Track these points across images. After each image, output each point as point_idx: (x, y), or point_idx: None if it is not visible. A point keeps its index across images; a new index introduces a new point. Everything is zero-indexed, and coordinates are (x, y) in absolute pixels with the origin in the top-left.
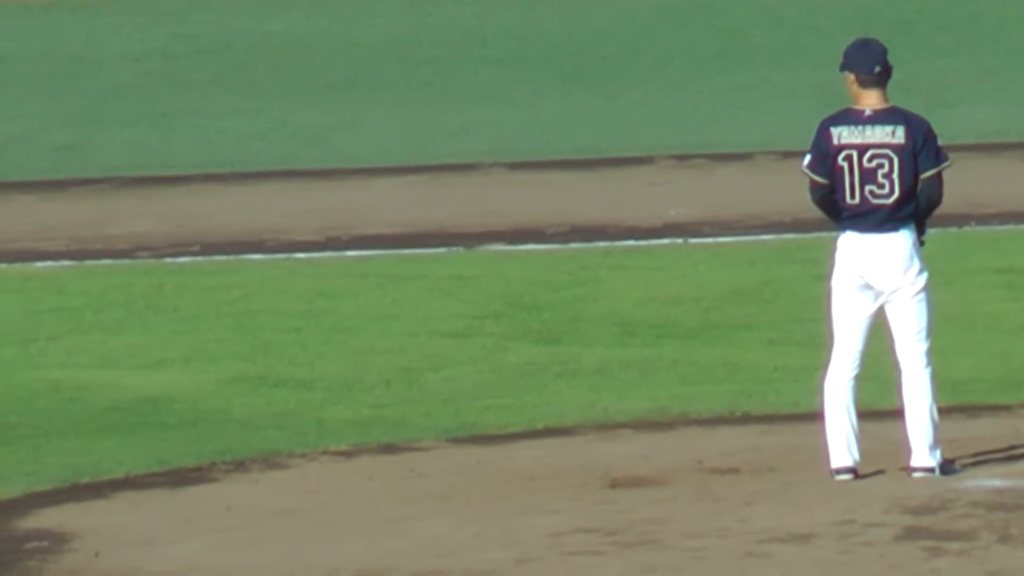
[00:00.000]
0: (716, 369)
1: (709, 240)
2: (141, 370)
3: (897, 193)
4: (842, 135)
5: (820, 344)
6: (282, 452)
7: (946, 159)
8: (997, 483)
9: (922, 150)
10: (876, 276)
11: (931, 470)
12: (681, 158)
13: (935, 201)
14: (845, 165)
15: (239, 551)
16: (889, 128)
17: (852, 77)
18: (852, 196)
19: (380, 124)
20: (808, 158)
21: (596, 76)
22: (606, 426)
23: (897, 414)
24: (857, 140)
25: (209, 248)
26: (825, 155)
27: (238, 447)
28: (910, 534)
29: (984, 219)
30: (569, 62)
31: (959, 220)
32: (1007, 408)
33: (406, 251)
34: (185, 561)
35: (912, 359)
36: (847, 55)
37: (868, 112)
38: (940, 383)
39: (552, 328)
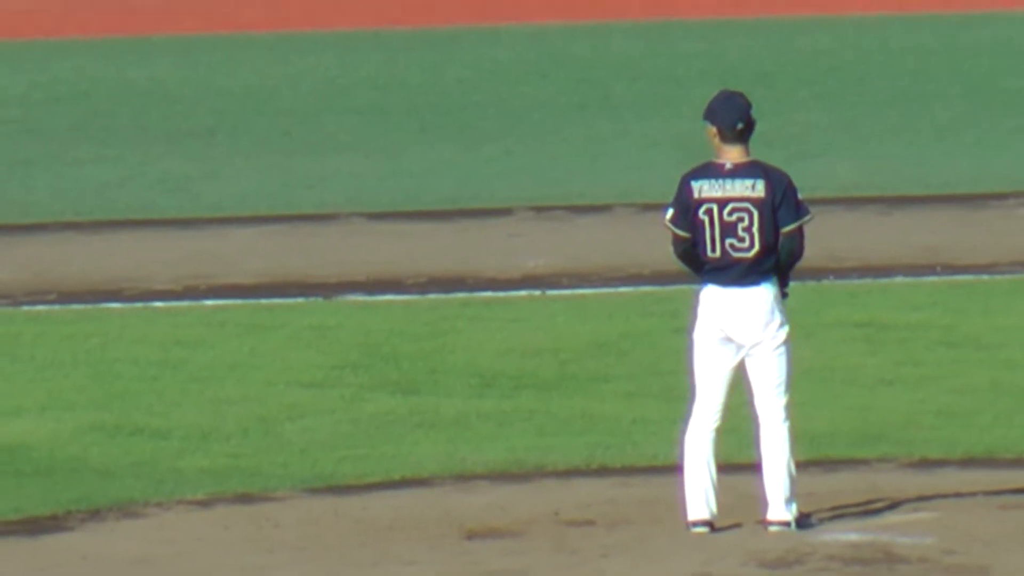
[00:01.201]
0: (573, 421)
1: (568, 292)
2: None
3: (757, 247)
4: (703, 189)
5: (678, 397)
6: (138, 501)
7: (807, 213)
8: (853, 537)
9: (782, 204)
10: (737, 330)
11: (787, 524)
12: (540, 210)
13: (796, 255)
14: (706, 219)
15: None
16: (749, 182)
17: (714, 130)
18: (713, 250)
19: (240, 173)
20: (670, 212)
21: (456, 126)
22: (463, 477)
23: (755, 467)
24: (717, 194)
25: (67, 296)
26: (687, 208)
27: (94, 496)
28: None
29: (843, 273)
30: (430, 112)
31: (818, 273)
32: (865, 462)
33: (264, 300)
34: None
35: (770, 413)
36: (711, 107)
37: (729, 165)
38: (798, 436)
39: (410, 379)
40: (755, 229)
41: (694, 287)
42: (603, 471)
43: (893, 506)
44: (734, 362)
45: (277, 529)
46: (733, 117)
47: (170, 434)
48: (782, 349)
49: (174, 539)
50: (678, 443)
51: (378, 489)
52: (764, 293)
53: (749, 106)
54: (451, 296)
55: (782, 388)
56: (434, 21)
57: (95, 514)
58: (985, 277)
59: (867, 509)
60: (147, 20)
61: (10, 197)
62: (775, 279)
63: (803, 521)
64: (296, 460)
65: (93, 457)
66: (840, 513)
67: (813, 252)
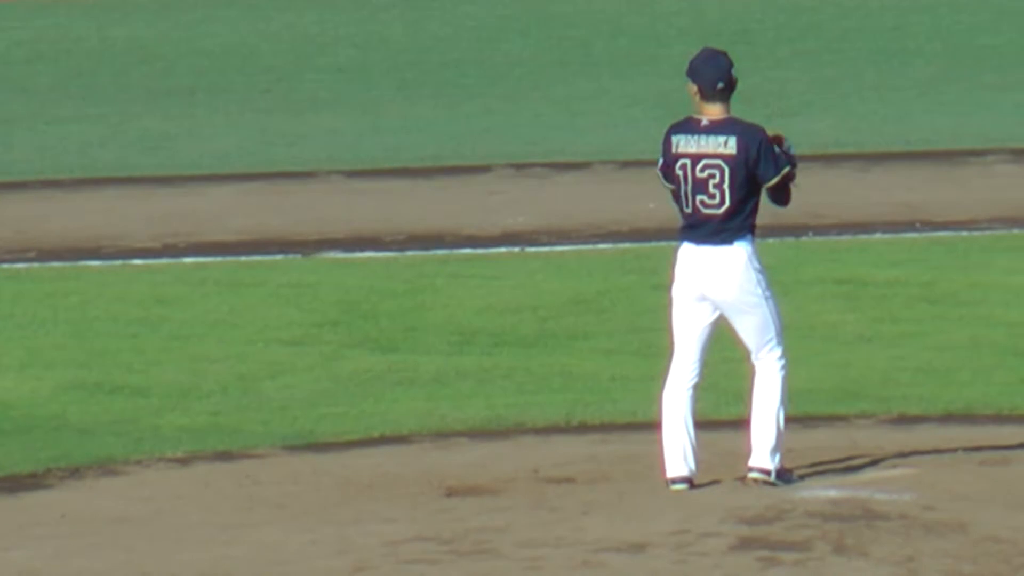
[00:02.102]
0: (552, 378)
1: (547, 249)
2: None
3: (727, 204)
4: (680, 143)
5: (657, 354)
6: (118, 459)
7: (787, 164)
8: (833, 494)
9: (760, 160)
10: (710, 288)
11: (767, 472)
12: (519, 167)
13: (783, 204)
14: (681, 174)
15: (74, 558)
16: (722, 138)
17: (695, 88)
18: (687, 204)
19: (220, 131)
20: (660, 162)
21: (437, 84)
22: (442, 434)
23: (734, 424)
24: (692, 149)
25: (46, 254)
26: (668, 161)
27: (74, 454)
28: (745, 544)
29: (822, 229)
30: (410, 70)
31: (797, 230)
32: (844, 419)
33: (244, 258)
34: (19, 568)
35: (763, 365)
36: (693, 65)
37: (705, 122)
38: None
39: (389, 336)
40: (725, 186)
41: (674, 244)
42: (582, 428)
43: (872, 462)
44: (710, 319)
45: (257, 487)
46: (714, 76)
47: (150, 392)
48: (761, 305)
49: (154, 497)
50: (657, 400)
51: (358, 447)
52: (737, 252)
53: (731, 65)
54: (430, 253)
55: (772, 342)
56: None
57: (75, 472)
58: (964, 234)
59: (847, 465)
60: None
61: None
62: (750, 237)
63: (784, 475)
64: (276, 418)
65: (73, 415)
66: (820, 469)
67: (792, 209)
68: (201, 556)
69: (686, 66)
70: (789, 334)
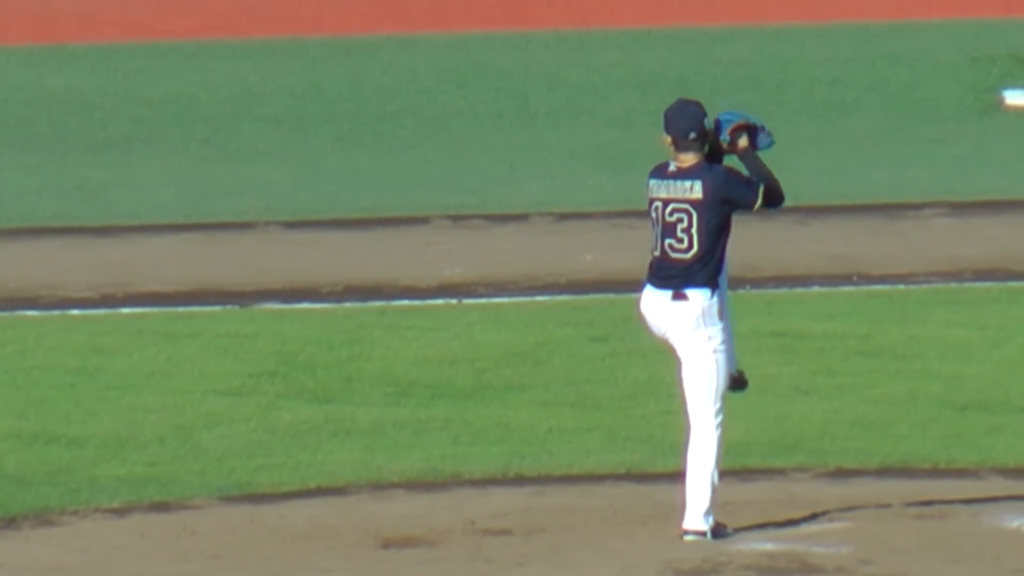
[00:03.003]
0: (489, 430)
1: (484, 300)
2: None
3: (696, 248)
4: (652, 188)
5: (593, 406)
6: (54, 509)
7: (760, 182)
8: (769, 547)
9: (734, 193)
10: (667, 331)
11: (703, 534)
12: (457, 218)
13: (779, 203)
14: (654, 216)
15: None
16: (688, 183)
17: (669, 139)
18: (656, 248)
19: (158, 180)
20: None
21: (374, 135)
22: (379, 486)
23: (671, 477)
24: (663, 194)
25: None
26: (648, 204)
27: (10, 503)
28: None
29: (759, 282)
30: (348, 121)
31: (734, 283)
32: (781, 471)
33: (182, 308)
34: None
35: (698, 420)
36: (666, 117)
37: (673, 167)
38: None
39: (326, 387)
40: (693, 231)
41: (611, 296)
42: (519, 480)
43: (809, 516)
44: None
45: (193, 537)
46: (686, 127)
47: (87, 442)
48: (711, 358)
49: (90, 547)
50: (594, 452)
51: (294, 498)
52: (694, 301)
53: (703, 115)
54: (368, 304)
55: (710, 397)
56: (352, 29)
57: (11, 522)
58: (901, 287)
59: (783, 519)
60: (66, 28)
61: None
62: (710, 289)
63: (719, 531)
64: (213, 468)
65: (9, 465)
66: (756, 523)
67: (730, 262)
68: None
69: (662, 118)
70: None
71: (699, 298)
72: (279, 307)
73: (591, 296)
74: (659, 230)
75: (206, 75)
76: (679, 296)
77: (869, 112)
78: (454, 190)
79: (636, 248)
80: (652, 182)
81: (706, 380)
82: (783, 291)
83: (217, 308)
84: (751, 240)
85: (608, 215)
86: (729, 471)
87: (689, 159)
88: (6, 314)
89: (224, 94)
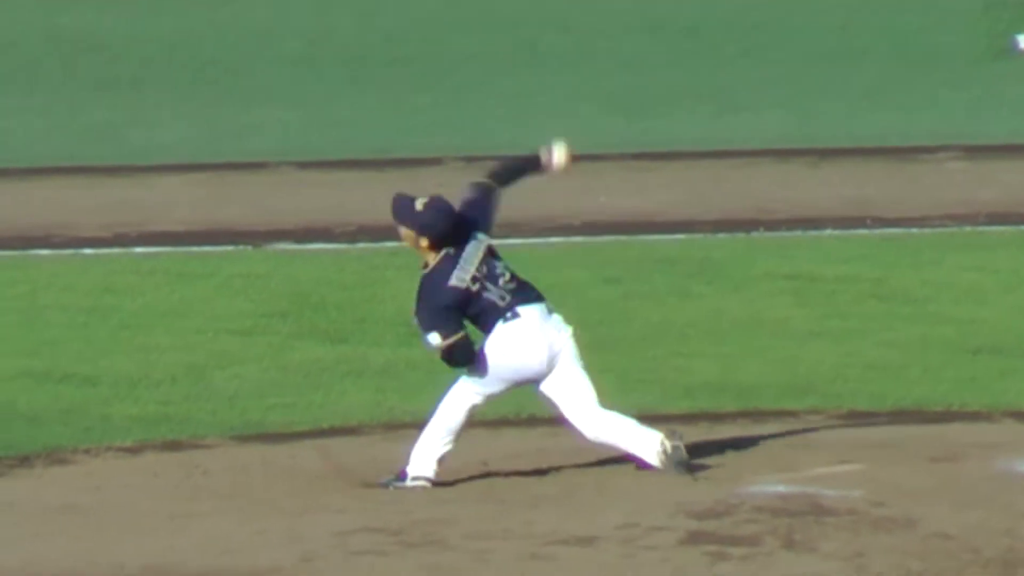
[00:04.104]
0: None
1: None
2: None
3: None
4: (457, 276)
5: (608, 347)
6: (66, 448)
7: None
8: (782, 489)
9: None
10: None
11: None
12: (470, 160)
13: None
14: (478, 286)
15: (22, 547)
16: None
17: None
18: (502, 299)
19: (168, 122)
20: (437, 337)
21: (387, 78)
22: (391, 426)
23: (683, 418)
24: (471, 269)
25: None
26: (456, 307)
27: (22, 442)
28: (694, 538)
29: (772, 225)
30: (360, 64)
31: (747, 225)
32: (793, 414)
33: (195, 248)
34: None
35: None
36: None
37: (452, 251)
38: (727, 388)
39: (339, 327)
40: (498, 262)
41: (623, 238)
42: (532, 421)
43: (822, 458)
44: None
45: (205, 477)
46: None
47: (99, 381)
48: None
49: (102, 486)
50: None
51: (306, 437)
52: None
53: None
54: (380, 246)
55: None
56: None
57: (23, 460)
58: (915, 231)
59: (795, 461)
60: None
61: None
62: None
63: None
64: (225, 408)
65: (21, 404)
66: (768, 465)
67: (742, 205)
68: (149, 545)
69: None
70: (739, 329)
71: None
72: (292, 247)
73: (605, 238)
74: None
75: (217, 15)
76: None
77: (880, 58)
78: (465, 132)
79: (650, 190)
80: (454, 275)
81: None
82: (796, 234)
83: (230, 248)
84: (764, 183)
85: (621, 157)
86: (742, 412)
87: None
88: (18, 253)
89: (235, 35)
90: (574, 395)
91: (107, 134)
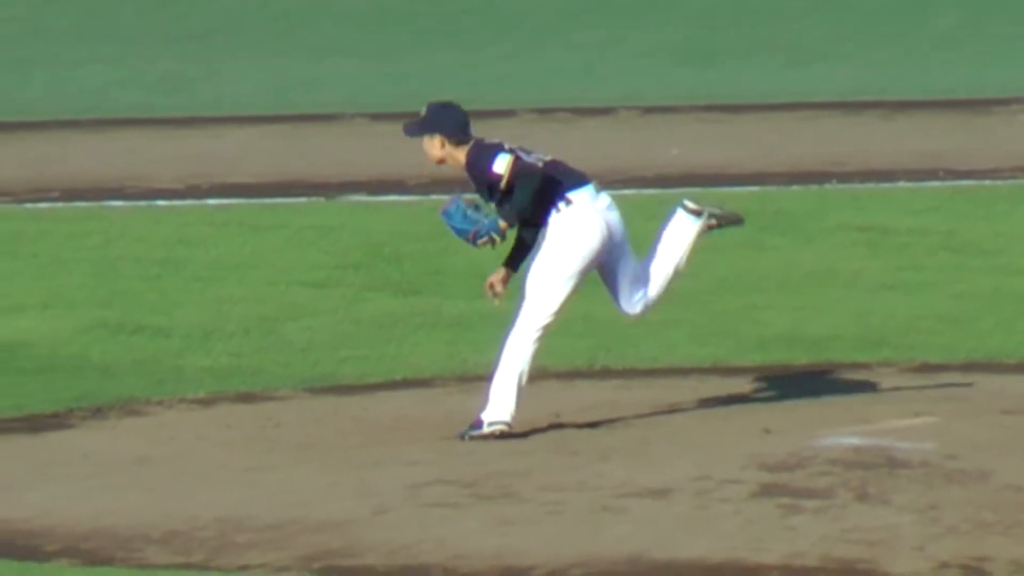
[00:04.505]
0: (575, 323)
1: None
2: None
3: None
4: (504, 145)
5: (678, 301)
6: (139, 399)
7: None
8: (855, 442)
9: None
10: (620, 229)
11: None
12: (543, 111)
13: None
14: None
15: (96, 498)
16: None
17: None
18: (546, 154)
19: (239, 74)
20: (506, 159)
21: (456, 31)
22: (465, 378)
23: (756, 370)
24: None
25: (69, 194)
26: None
27: (95, 394)
28: (767, 491)
29: (845, 177)
30: (430, 16)
31: (819, 178)
32: (866, 366)
33: (267, 200)
34: (41, 507)
35: (638, 300)
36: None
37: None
38: (800, 340)
39: (412, 280)
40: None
41: (696, 189)
42: (604, 373)
43: (894, 411)
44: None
45: (278, 428)
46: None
47: (172, 333)
48: None
49: (175, 437)
50: (679, 346)
51: (379, 389)
52: None
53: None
54: None
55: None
56: None
57: (97, 412)
58: (987, 183)
59: (868, 414)
60: None
61: (9, 95)
62: None
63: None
64: (298, 360)
65: (95, 355)
66: (841, 417)
67: (813, 157)
68: (222, 497)
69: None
70: (811, 281)
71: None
72: (365, 199)
73: (677, 190)
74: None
75: None
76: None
77: (952, 8)
78: (536, 85)
79: (722, 143)
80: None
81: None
82: (869, 186)
83: (302, 200)
84: (836, 135)
85: (693, 109)
86: (815, 365)
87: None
88: (92, 204)
89: None
90: (628, 286)
91: (179, 85)
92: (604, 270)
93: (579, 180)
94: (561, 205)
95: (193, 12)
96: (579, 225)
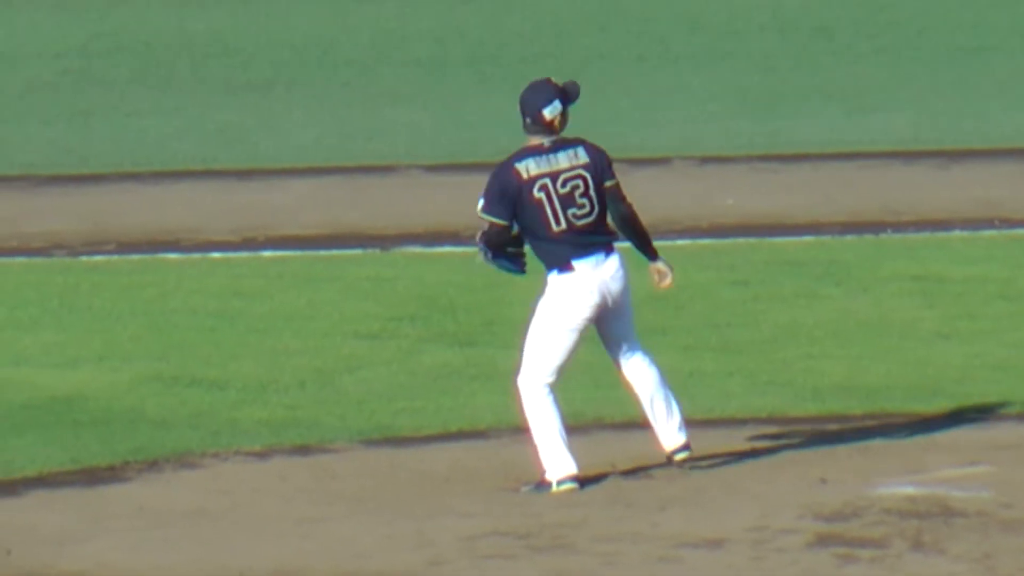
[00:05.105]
0: None
1: (625, 244)
2: (55, 368)
3: (597, 208)
4: (529, 167)
5: (735, 350)
6: (195, 452)
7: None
8: (910, 490)
9: (604, 168)
10: (610, 294)
11: (687, 447)
12: None
13: (626, 212)
14: (543, 195)
15: (151, 551)
16: (571, 151)
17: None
18: (557, 223)
19: (298, 125)
20: (482, 202)
21: (515, 78)
22: (520, 429)
23: (811, 420)
24: (546, 168)
25: (125, 247)
26: (510, 193)
27: (151, 446)
28: (822, 541)
29: (900, 226)
30: (488, 64)
31: (875, 227)
32: (921, 415)
33: (322, 252)
34: (97, 560)
35: (638, 356)
36: (523, 101)
37: (547, 143)
38: (856, 389)
39: (468, 330)
40: (592, 193)
41: (750, 240)
42: None
43: (950, 459)
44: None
45: (334, 481)
46: (542, 103)
47: (227, 385)
48: (630, 300)
49: (231, 490)
50: (735, 396)
51: (435, 441)
52: (618, 255)
53: (541, 103)
54: None
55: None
56: None
57: (152, 465)
58: None
59: (923, 462)
60: None
61: (69, 147)
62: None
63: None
64: (353, 412)
65: (150, 408)
66: (896, 466)
67: (870, 206)
68: (278, 550)
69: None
70: (867, 330)
71: (618, 252)
72: (420, 250)
73: (732, 240)
74: (555, 204)
75: (347, 18)
76: (612, 257)
77: (1010, 56)
78: (595, 133)
79: (778, 192)
80: (524, 163)
81: (632, 318)
82: (924, 235)
83: (358, 251)
84: (892, 185)
85: (749, 159)
86: (869, 415)
87: (547, 138)
88: (147, 257)
89: (365, 37)
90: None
91: (237, 137)
92: (600, 328)
93: (587, 250)
94: (559, 270)
95: (253, 62)
96: (572, 292)
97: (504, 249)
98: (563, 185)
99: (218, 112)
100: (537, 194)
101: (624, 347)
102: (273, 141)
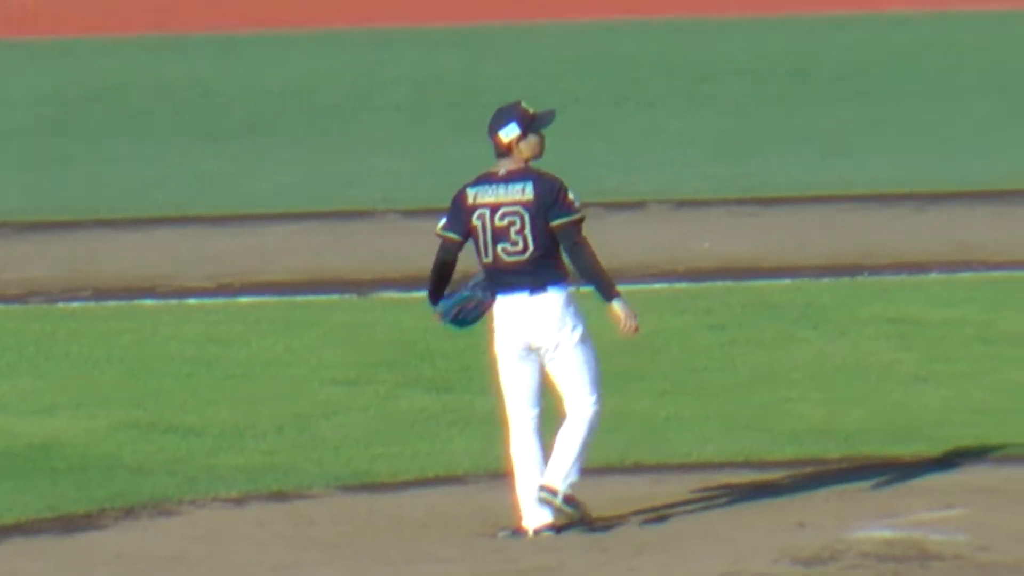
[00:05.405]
0: (607, 418)
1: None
2: (32, 415)
3: (531, 249)
4: (477, 195)
5: (712, 394)
6: (172, 499)
7: (578, 212)
8: (887, 534)
9: (553, 205)
10: (533, 335)
11: (554, 492)
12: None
13: (582, 253)
14: (479, 224)
15: None
16: (519, 186)
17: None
18: (486, 255)
19: (276, 170)
20: (443, 220)
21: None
22: (497, 474)
23: (787, 464)
24: (490, 199)
25: (102, 293)
26: (457, 214)
27: (128, 493)
28: None
29: (877, 269)
30: (466, 109)
31: (852, 270)
32: (898, 459)
33: (300, 297)
34: None
35: (578, 408)
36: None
37: (503, 172)
38: (833, 433)
39: (445, 376)
40: (527, 232)
41: (729, 284)
42: (636, 468)
43: (927, 503)
44: (539, 368)
45: (311, 527)
46: (496, 126)
47: (204, 431)
48: (580, 348)
49: (208, 537)
50: (712, 440)
51: (412, 487)
52: (552, 298)
53: (500, 123)
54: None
55: (589, 386)
56: (471, 18)
57: (129, 512)
58: (1020, 273)
59: (900, 506)
60: (185, 17)
61: (47, 194)
62: (563, 284)
63: (572, 503)
64: (330, 457)
65: (127, 454)
66: (874, 510)
67: (846, 249)
68: None
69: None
70: (844, 374)
71: (556, 293)
72: (397, 296)
73: (709, 284)
74: (488, 236)
75: (326, 64)
76: (538, 296)
77: (988, 99)
78: (571, 176)
79: (754, 235)
80: (474, 190)
81: (581, 369)
82: (901, 278)
83: (335, 297)
84: (869, 227)
85: (726, 202)
86: (846, 458)
87: (511, 162)
88: (124, 303)
89: (343, 83)
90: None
91: (216, 183)
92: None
93: (508, 288)
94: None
95: (232, 108)
96: (497, 325)
97: (442, 265)
98: (501, 218)
99: (197, 158)
100: (475, 222)
101: (564, 392)
102: (251, 187)
